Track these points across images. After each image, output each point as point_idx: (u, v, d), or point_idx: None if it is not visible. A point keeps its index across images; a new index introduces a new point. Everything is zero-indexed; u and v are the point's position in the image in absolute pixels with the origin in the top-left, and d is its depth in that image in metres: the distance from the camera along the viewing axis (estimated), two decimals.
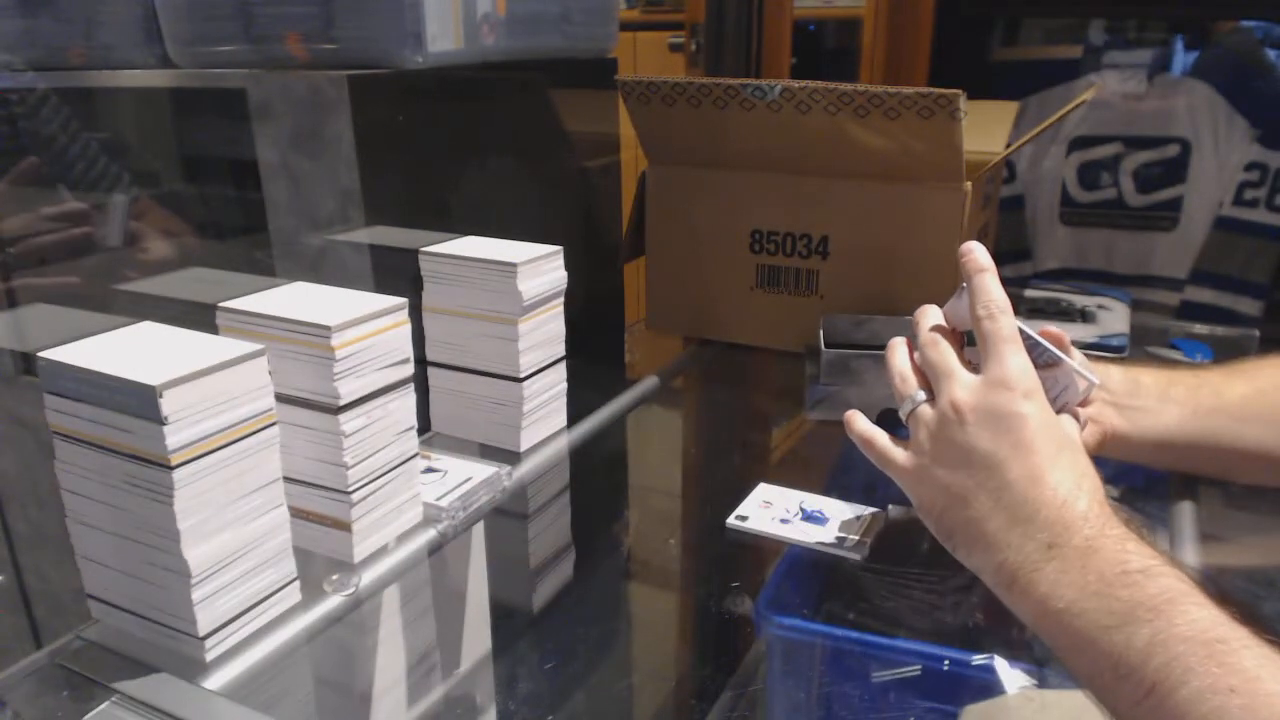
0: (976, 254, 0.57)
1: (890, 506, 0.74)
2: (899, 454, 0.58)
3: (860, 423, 0.62)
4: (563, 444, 0.86)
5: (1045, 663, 0.58)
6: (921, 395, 0.57)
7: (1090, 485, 0.50)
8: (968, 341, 0.59)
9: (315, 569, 0.64)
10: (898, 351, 0.61)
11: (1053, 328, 0.60)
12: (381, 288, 0.67)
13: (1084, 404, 0.59)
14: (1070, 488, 0.50)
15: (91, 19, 0.92)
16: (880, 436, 0.60)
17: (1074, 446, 0.53)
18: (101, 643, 0.57)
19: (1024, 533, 0.49)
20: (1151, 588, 0.43)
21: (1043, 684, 0.57)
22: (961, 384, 0.54)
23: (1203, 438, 0.65)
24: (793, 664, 0.63)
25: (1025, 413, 0.52)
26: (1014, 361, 0.53)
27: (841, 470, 0.90)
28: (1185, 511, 0.72)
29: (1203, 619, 0.41)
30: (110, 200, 0.86)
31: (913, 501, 0.57)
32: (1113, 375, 0.66)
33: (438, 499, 0.71)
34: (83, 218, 0.83)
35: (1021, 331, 0.56)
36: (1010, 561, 0.49)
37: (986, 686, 0.57)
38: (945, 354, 0.57)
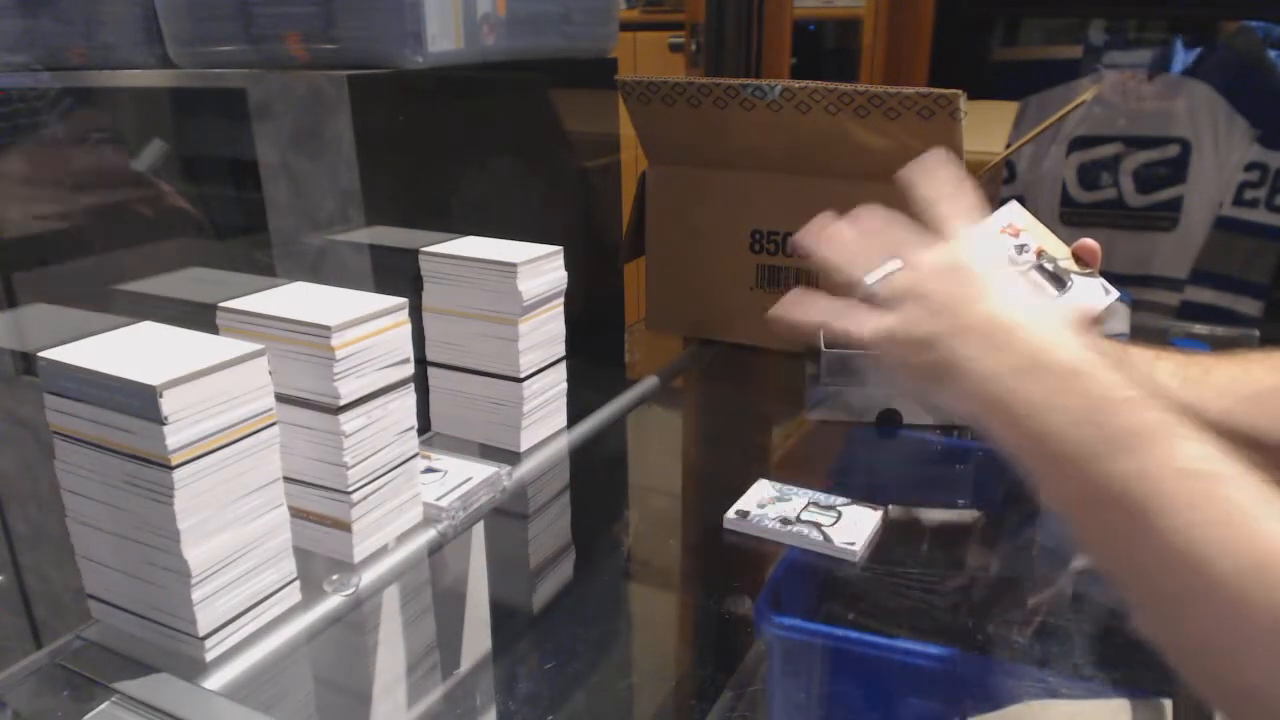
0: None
1: (890, 506, 0.74)
2: (868, 324, 0.54)
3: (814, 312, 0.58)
4: (563, 444, 0.86)
5: (1046, 664, 0.58)
6: (895, 263, 0.55)
7: (1061, 318, 0.49)
8: None
9: (315, 569, 0.64)
10: (840, 233, 0.60)
11: (1089, 240, 0.65)
12: (381, 288, 0.67)
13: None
14: (1040, 315, 0.48)
15: (91, 19, 0.92)
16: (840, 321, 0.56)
17: (1034, 297, 0.54)
18: (101, 643, 0.57)
19: (999, 359, 0.47)
20: (1139, 416, 0.41)
21: (1044, 684, 0.57)
22: (925, 248, 0.54)
23: (1187, 410, 0.64)
24: (793, 664, 0.63)
25: (982, 268, 0.51)
26: (968, 235, 0.54)
27: (842, 470, 0.90)
28: None
29: (1194, 452, 0.40)
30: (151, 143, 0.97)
31: (884, 365, 0.54)
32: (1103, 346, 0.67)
33: (438, 499, 0.71)
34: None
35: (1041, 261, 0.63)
36: (988, 387, 0.47)
37: (986, 687, 0.57)
38: (899, 229, 0.57)
